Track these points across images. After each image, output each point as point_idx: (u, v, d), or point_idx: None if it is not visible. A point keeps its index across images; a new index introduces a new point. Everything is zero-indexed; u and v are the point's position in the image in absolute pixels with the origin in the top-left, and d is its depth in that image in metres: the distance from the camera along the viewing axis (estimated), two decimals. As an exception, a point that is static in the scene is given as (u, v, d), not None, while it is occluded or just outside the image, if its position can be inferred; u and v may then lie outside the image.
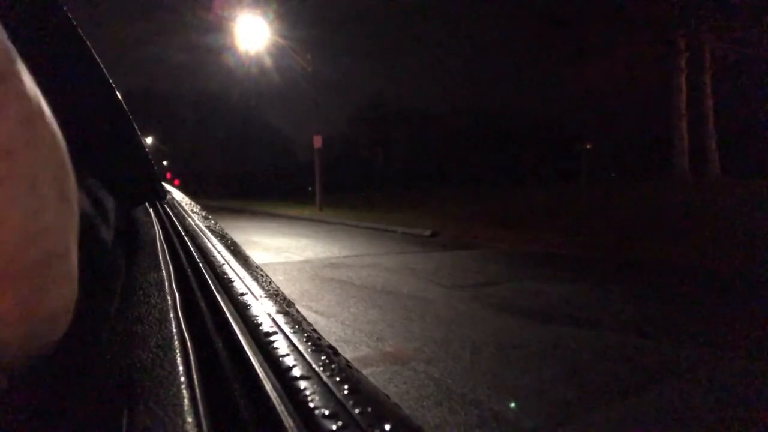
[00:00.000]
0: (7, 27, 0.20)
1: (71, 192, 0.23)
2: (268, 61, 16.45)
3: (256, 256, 6.04)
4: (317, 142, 13.86)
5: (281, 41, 14.41)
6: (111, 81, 0.90)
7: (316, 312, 3.59)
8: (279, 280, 4.78)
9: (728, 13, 14.43)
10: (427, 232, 8.73)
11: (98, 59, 0.87)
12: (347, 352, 2.67)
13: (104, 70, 0.88)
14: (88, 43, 0.84)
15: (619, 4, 15.84)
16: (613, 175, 22.87)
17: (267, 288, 0.45)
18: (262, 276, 0.50)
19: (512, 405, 2.08)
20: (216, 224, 0.85)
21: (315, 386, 0.27)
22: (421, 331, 3.10)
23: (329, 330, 3.14)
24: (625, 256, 6.19)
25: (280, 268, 5.46)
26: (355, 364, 0.32)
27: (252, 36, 13.83)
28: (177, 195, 1.31)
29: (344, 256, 6.28)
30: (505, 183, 21.07)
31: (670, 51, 15.94)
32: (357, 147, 27.41)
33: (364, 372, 0.31)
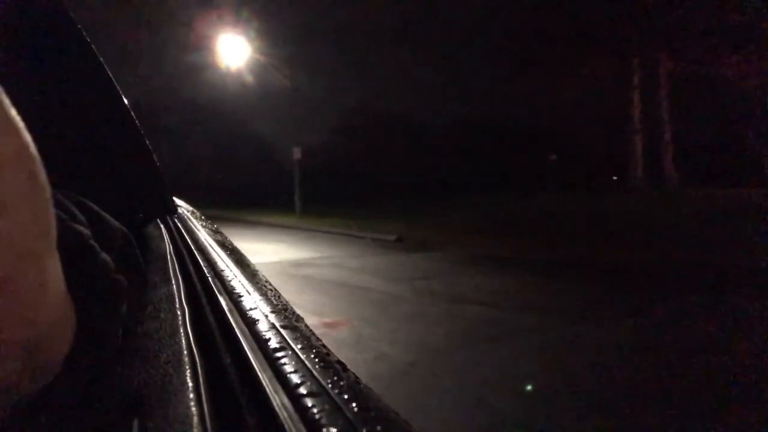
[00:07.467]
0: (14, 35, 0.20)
1: (41, 192, 0.22)
2: (253, 76, 17.07)
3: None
4: (296, 153, 14.75)
5: (262, 58, 15.10)
6: (126, 102, 0.91)
7: (276, 298, 4.33)
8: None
9: (681, 35, 15.26)
10: (392, 237, 9.33)
11: (109, 72, 0.88)
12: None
13: (116, 85, 0.90)
14: (96, 51, 0.85)
15: (579, 24, 16.81)
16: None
17: (275, 303, 0.45)
18: (270, 291, 0.50)
19: (400, 350, 3.11)
20: (225, 238, 0.85)
21: (324, 403, 0.27)
22: (356, 310, 4.07)
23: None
24: (563, 257, 7.01)
25: (254, 267, 6.11)
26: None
27: (234, 53, 14.58)
28: (187, 207, 1.32)
29: (312, 258, 7.06)
30: (476, 192, 21.90)
31: (625, 69, 16.91)
32: (340, 156, 27.70)
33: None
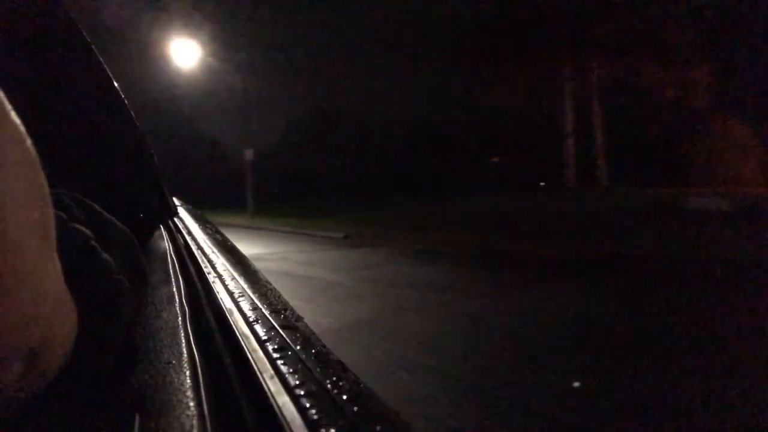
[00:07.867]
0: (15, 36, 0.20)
1: (42, 197, 0.21)
2: (205, 79, 17.31)
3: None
4: (248, 155, 15.37)
5: (215, 62, 15.40)
6: (126, 102, 0.91)
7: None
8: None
9: (613, 48, 16.24)
10: (341, 235, 9.68)
11: (109, 72, 0.88)
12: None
13: (117, 85, 0.89)
14: (96, 51, 0.85)
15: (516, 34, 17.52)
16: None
17: (275, 303, 0.45)
18: (270, 291, 0.50)
19: (333, 322, 3.61)
20: (226, 239, 0.85)
21: (323, 403, 0.27)
22: (299, 294, 4.53)
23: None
24: (491, 250, 7.81)
25: (203, 263, 6.72)
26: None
27: (186, 56, 14.90)
28: (186, 208, 1.32)
29: (263, 253, 7.49)
30: (423, 191, 22.81)
31: (558, 78, 18.06)
32: (293, 158, 27.99)
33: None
